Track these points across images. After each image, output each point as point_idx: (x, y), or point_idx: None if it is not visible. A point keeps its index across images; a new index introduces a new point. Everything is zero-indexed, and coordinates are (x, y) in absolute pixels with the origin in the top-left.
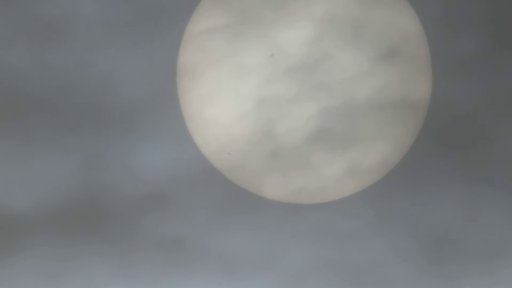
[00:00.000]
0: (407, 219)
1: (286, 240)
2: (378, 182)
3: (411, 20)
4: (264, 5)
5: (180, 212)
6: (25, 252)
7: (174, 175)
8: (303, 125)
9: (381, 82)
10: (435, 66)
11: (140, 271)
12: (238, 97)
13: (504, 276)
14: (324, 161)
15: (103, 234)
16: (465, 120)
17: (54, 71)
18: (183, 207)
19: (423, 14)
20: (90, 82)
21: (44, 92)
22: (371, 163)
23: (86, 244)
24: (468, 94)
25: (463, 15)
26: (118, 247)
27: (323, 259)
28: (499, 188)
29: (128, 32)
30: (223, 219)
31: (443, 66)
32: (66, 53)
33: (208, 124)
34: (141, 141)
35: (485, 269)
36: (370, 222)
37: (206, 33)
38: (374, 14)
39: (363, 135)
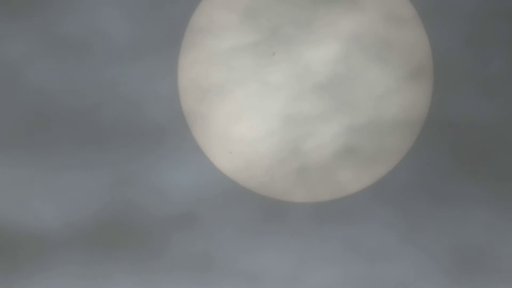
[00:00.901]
0: (434, 237)
1: (313, 257)
2: (405, 199)
3: (437, 38)
4: (292, 24)
5: (207, 231)
6: (54, 270)
7: (200, 193)
8: (330, 143)
9: (407, 100)
10: (461, 85)
11: None
12: (265, 114)
13: None
14: (351, 179)
15: (131, 252)
16: (492, 139)
17: (81, 89)
18: (210, 225)
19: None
20: (116, 101)
21: (71, 110)
22: (398, 181)
23: (114, 263)
24: (495, 113)
25: (488, 35)
26: (146, 265)
27: (350, 277)
28: None
29: (155, 51)
30: (250, 237)
31: (469, 85)
32: (93, 71)
33: (234, 142)
34: (167, 160)
35: None
36: (397, 240)
37: (234, 51)
38: (400, 33)
39: (389, 153)
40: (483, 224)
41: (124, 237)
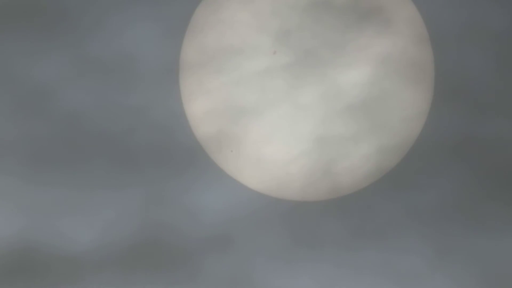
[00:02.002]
0: (467, 257)
1: (348, 279)
2: (438, 220)
3: (474, 61)
4: (324, 46)
5: (240, 252)
6: None
7: (233, 214)
8: (362, 164)
9: (439, 121)
10: (493, 107)
11: None
12: (297, 136)
13: None
14: (383, 200)
15: (165, 274)
16: None
17: (114, 112)
18: (244, 247)
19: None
20: (148, 124)
21: (104, 133)
22: (430, 202)
23: (148, 285)
24: None
25: None
26: (180, 287)
27: None
28: None
29: (187, 73)
30: (283, 258)
31: (500, 106)
32: (126, 94)
33: (266, 163)
34: (200, 182)
35: None
36: (430, 260)
37: (267, 72)
38: (431, 55)
39: (421, 174)
40: None
41: (158, 259)
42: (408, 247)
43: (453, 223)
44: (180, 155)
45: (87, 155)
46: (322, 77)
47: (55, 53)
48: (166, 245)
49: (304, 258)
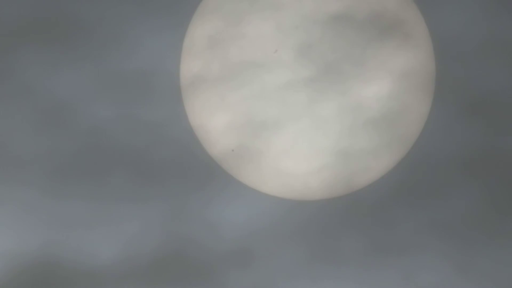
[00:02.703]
0: (487, 272)
1: None
2: (458, 235)
3: (493, 76)
4: (345, 60)
5: (262, 265)
6: None
7: (254, 228)
8: (383, 178)
9: (461, 136)
10: None
11: None
12: (317, 149)
13: None
14: (405, 213)
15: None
16: None
17: (135, 126)
18: (265, 261)
19: (504, 70)
20: (172, 137)
21: (127, 146)
22: (451, 217)
23: None
24: None
25: None
26: None
27: None
28: None
29: (207, 87)
30: (304, 272)
31: None
32: (147, 109)
33: (287, 177)
34: (221, 195)
35: None
36: (450, 276)
37: (288, 86)
38: (455, 69)
39: (444, 188)
40: None
41: (180, 273)
42: (428, 262)
43: (473, 239)
44: (200, 169)
45: (108, 169)
46: (342, 91)
47: (76, 68)
48: (188, 259)
49: (324, 273)
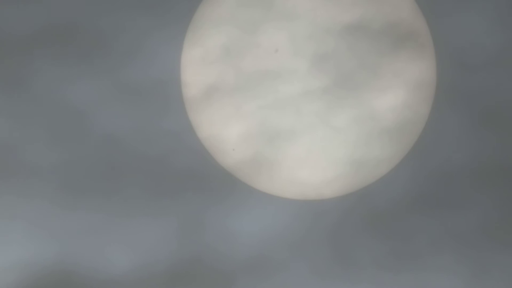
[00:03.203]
0: (504, 278)
1: None
2: (476, 241)
3: (508, 86)
4: (360, 70)
5: (279, 275)
6: None
7: (270, 238)
8: (398, 187)
9: (476, 146)
10: None
11: None
12: (332, 159)
13: None
14: (421, 222)
15: None
16: None
17: (151, 136)
18: (282, 269)
19: None
20: (188, 147)
21: (143, 157)
22: (468, 223)
23: None
24: None
25: None
26: None
27: None
28: None
29: (226, 96)
30: (322, 280)
31: None
32: (163, 118)
33: (301, 186)
34: (236, 205)
35: None
36: (467, 281)
37: (302, 96)
38: (469, 79)
39: (460, 196)
40: None
41: (197, 281)
42: (446, 268)
43: (491, 244)
44: (215, 179)
45: (124, 180)
46: (357, 101)
47: (92, 78)
48: (205, 268)
49: (342, 279)
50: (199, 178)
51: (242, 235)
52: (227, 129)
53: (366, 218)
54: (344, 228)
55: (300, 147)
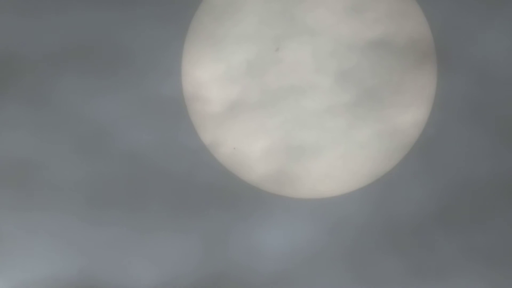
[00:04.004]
0: None
1: None
2: (497, 259)
3: None
4: (383, 86)
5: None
6: None
7: (294, 253)
8: (421, 204)
9: (499, 161)
10: None
11: None
12: (355, 175)
13: None
14: (444, 239)
15: None
16: None
17: (177, 150)
18: (307, 282)
19: None
20: (211, 162)
21: (167, 172)
22: (490, 241)
23: None
24: None
25: None
26: None
27: None
28: None
29: (250, 112)
30: None
31: None
32: (189, 133)
33: (324, 202)
34: (261, 220)
35: None
36: None
37: (326, 111)
38: (490, 94)
39: (483, 213)
40: None
41: None
42: (467, 286)
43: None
44: (239, 193)
45: (148, 195)
46: (380, 116)
47: (115, 94)
48: (229, 283)
49: None
50: (223, 194)
51: (266, 249)
52: (251, 144)
53: (388, 233)
54: (366, 242)
55: (323, 162)
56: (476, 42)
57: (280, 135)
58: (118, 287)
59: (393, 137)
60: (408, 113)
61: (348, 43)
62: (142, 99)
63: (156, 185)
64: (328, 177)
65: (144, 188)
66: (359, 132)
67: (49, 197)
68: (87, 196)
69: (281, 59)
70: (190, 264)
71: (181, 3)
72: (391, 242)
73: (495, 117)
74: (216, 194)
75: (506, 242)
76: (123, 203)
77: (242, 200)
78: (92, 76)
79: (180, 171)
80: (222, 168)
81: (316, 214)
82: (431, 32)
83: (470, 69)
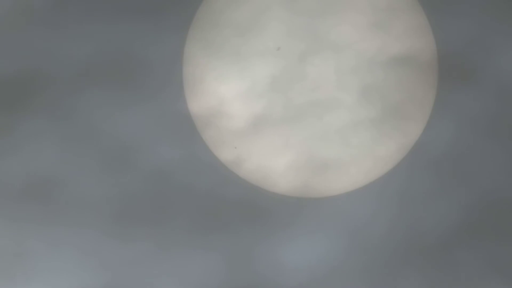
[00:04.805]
0: None
1: None
2: None
3: None
4: (408, 101)
5: None
6: None
7: (317, 269)
8: (446, 219)
9: None
10: None
11: None
12: (379, 190)
13: None
14: (467, 256)
15: None
16: None
17: (202, 167)
18: None
19: None
20: (236, 178)
21: (193, 188)
22: None
23: None
24: None
25: None
26: None
27: None
28: None
29: (275, 127)
30: None
31: None
32: (214, 149)
33: (349, 218)
34: (285, 236)
35: None
36: None
37: (349, 127)
38: None
39: (506, 228)
40: None
41: None
42: None
43: None
44: (263, 209)
45: (172, 211)
46: (404, 132)
47: (141, 109)
48: None
49: None
50: (247, 209)
51: (290, 264)
52: (275, 159)
53: (413, 250)
54: (389, 257)
55: (347, 178)
56: (500, 58)
57: (304, 150)
58: None
59: (417, 152)
60: (433, 129)
61: (372, 59)
62: (166, 114)
63: (181, 201)
64: (352, 193)
65: (169, 204)
66: (383, 147)
67: (74, 212)
68: (112, 211)
69: (305, 74)
70: (214, 280)
71: (206, 19)
72: (414, 258)
73: None
74: (240, 209)
75: None
76: (148, 219)
77: (265, 215)
78: (116, 90)
79: (204, 187)
80: (246, 184)
81: (339, 229)
82: (454, 48)
83: (494, 85)
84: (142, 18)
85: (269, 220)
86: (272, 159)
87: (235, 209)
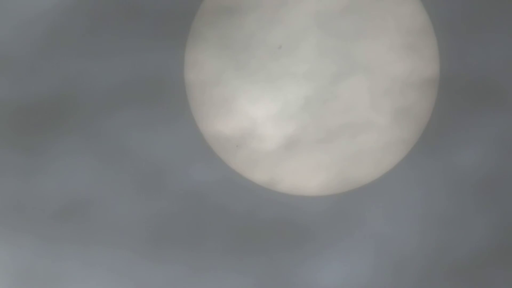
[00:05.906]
0: None
1: None
2: None
3: None
4: (442, 125)
5: None
6: None
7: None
8: (480, 241)
9: None
10: None
11: None
12: (414, 212)
13: None
14: (500, 278)
15: None
16: None
17: (236, 189)
18: None
19: None
20: (270, 200)
21: (228, 210)
22: None
23: None
24: None
25: None
26: None
27: None
28: None
29: (308, 148)
30: None
31: None
32: (248, 171)
33: (382, 241)
34: (320, 257)
35: None
36: None
37: (382, 148)
38: None
39: None
40: None
41: None
42: None
43: None
44: (297, 231)
45: (207, 233)
46: (438, 155)
47: (174, 130)
48: None
49: None
50: (281, 232)
51: (325, 285)
52: (309, 180)
53: (447, 272)
54: (426, 282)
55: (380, 200)
56: None
57: (337, 172)
58: None
59: (453, 175)
60: (467, 151)
61: (405, 81)
62: (198, 135)
63: (215, 223)
64: (387, 216)
65: (203, 226)
66: (416, 169)
67: (108, 233)
68: (146, 233)
69: (338, 96)
70: None
71: (239, 40)
72: (451, 281)
73: None
74: (274, 231)
75: None
76: (182, 241)
77: (299, 238)
78: (151, 112)
79: (238, 209)
80: (281, 206)
81: (375, 252)
82: (487, 71)
83: None
84: (173, 41)
85: (302, 242)
86: (305, 181)
87: (269, 231)
